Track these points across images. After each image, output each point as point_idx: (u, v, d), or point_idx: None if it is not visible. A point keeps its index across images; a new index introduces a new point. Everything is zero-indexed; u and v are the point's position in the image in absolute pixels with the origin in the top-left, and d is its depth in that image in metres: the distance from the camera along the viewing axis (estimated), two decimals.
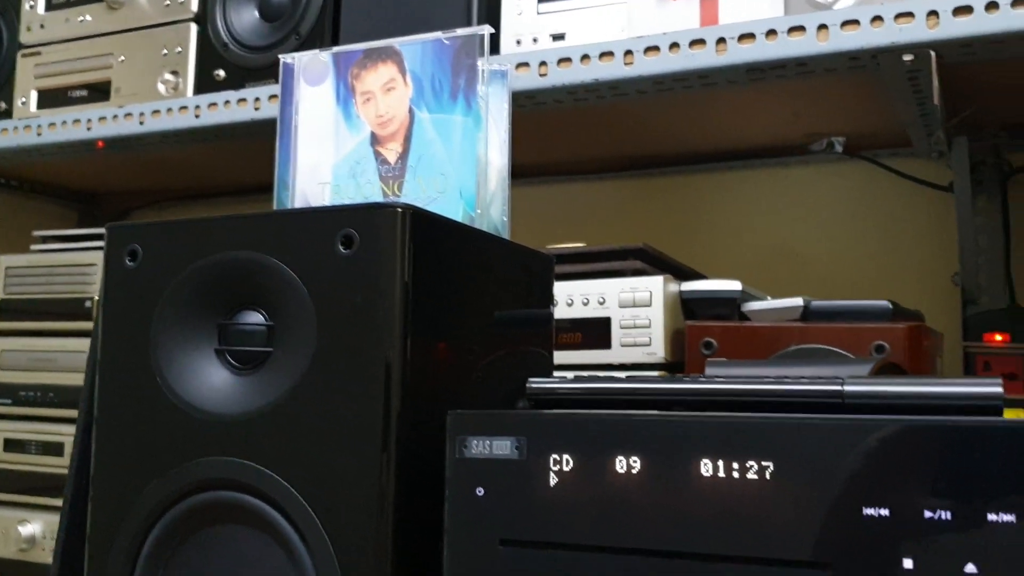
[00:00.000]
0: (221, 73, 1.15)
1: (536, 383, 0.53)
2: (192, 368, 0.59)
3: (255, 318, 0.58)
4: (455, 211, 0.66)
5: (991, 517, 0.40)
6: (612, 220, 1.33)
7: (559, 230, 1.24)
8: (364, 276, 0.54)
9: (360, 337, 0.54)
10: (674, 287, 0.96)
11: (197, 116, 1.13)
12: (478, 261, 0.63)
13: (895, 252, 1.19)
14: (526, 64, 0.95)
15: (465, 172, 0.67)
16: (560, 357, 0.88)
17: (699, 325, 0.94)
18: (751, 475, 0.44)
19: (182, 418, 0.58)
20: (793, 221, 1.24)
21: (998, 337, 1.13)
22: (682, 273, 1.02)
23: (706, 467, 0.45)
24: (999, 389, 0.44)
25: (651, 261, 0.98)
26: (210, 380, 0.58)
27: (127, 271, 0.61)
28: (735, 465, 0.45)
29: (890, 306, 0.90)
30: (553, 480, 0.49)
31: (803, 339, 0.91)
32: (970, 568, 0.40)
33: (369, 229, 0.54)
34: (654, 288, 0.94)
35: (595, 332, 0.96)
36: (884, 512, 0.42)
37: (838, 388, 0.46)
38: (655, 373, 0.92)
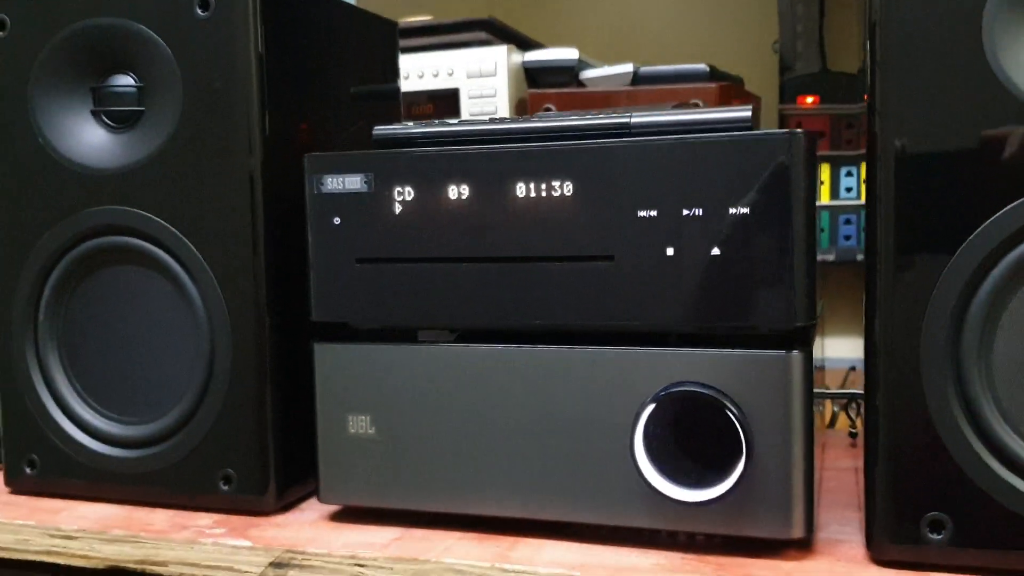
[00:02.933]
0: None
1: (381, 129, 0.61)
2: (71, 129, 0.65)
3: (125, 80, 0.64)
4: None
5: (731, 211, 0.52)
6: None
7: (405, 7, 1.28)
8: (222, 34, 0.60)
9: (223, 91, 0.61)
10: (517, 58, 1.04)
11: None
12: (327, 17, 0.70)
13: (723, 25, 1.29)
14: None
15: None
16: None
17: (540, 92, 1.03)
18: (555, 193, 0.55)
19: (67, 175, 0.64)
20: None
21: (809, 100, 1.26)
22: (526, 44, 1.10)
23: (521, 189, 0.56)
24: (747, 114, 0.55)
25: (496, 33, 1.05)
26: (89, 139, 0.64)
27: None
28: (543, 186, 0.55)
29: (707, 69, 1.01)
30: (398, 208, 0.58)
31: (632, 102, 1.01)
32: (715, 251, 0.53)
33: None
34: (499, 59, 1.02)
35: (445, 102, 1.05)
36: (653, 213, 0.53)
37: (626, 120, 0.56)
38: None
